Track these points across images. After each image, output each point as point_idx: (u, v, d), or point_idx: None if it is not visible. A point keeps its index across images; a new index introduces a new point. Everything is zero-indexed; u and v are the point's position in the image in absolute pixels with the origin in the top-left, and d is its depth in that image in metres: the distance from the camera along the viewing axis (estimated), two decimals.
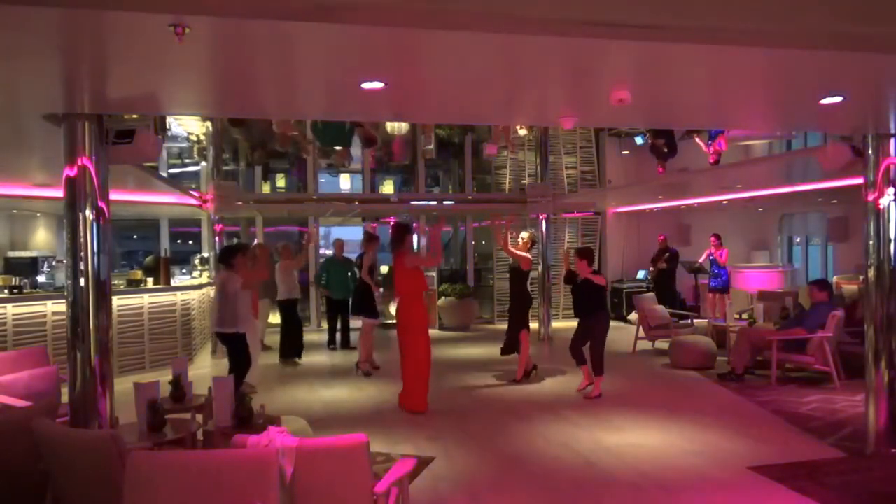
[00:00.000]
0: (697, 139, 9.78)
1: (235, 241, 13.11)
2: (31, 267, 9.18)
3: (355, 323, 10.65)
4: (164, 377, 5.22)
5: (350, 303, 10.77)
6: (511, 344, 8.28)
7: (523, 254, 8.09)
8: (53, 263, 9.39)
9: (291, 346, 9.64)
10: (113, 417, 4.37)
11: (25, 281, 8.33)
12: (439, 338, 11.97)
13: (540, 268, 11.79)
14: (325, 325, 12.38)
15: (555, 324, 12.43)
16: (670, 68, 3.53)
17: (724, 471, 4.96)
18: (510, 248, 8.12)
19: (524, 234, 8.50)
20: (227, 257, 6.86)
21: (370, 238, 9.68)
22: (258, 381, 7.76)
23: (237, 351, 6.72)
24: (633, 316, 10.80)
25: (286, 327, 9.67)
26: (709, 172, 9.12)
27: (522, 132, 12.48)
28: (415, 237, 7.53)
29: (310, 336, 11.35)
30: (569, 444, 5.67)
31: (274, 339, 10.07)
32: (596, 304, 7.52)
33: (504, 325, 12.95)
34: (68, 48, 2.99)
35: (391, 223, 12.65)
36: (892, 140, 5.05)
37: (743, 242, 13.68)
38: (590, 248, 7.74)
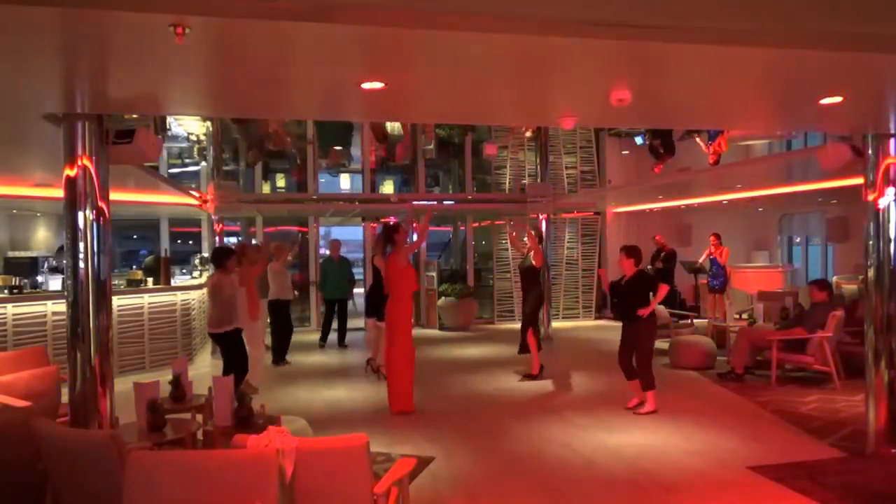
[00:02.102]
0: (698, 139, 9.79)
1: (239, 239, 13.15)
2: (31, 267, 9.18)
3: (357, 323, 10.64)
4: (164, 377, 5.22)
5: (347, 303, 10.87)
6: (526, 343, 8.31)
7: (538, 246, 8.22)
8: (53, 263, 9.40)
9: (280, 348, 9.63)
10: (113, 417, 4.37)
11: (25, 281, 8.32)
12: (439, 338, 11.98)
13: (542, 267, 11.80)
14: None
15: (555, 324, 12.44)
16: (670, 68, 3.53)
17: (724, 471, 4.96)
18: (521, 243, 8.24)
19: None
20: (220, 259, 6.84)
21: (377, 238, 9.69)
22: (259, 382, 7.77)
23: (231, 349, 6.71)
24: None
25: (275, 329, 9.66)
26: (709, 172, 9.13)
27: (528, 133, 12.52)
28: (415, 236, 7.49)
29: (310, 336, 11.36)
30: (569, 444, 5.67)
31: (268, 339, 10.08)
32: (639, 307, 6.56)
33: (505, 325, 13.05)
34: (68, 48, 2.99)
35: (381, 227, 12.64)
36: (892, 140, 5.05)
37: (743, 242, 13.69)
38: (637, 247, 6.84)
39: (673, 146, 10.05)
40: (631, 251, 6.76)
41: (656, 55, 3.23)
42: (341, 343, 10.91)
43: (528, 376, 8.22)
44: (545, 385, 7.97)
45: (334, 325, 10.98)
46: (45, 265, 8.96)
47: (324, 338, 10.99)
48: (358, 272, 18.51)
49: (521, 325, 8.43)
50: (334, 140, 10.72)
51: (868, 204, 5.16)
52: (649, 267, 12.92)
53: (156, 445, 4.13)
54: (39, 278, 8.78)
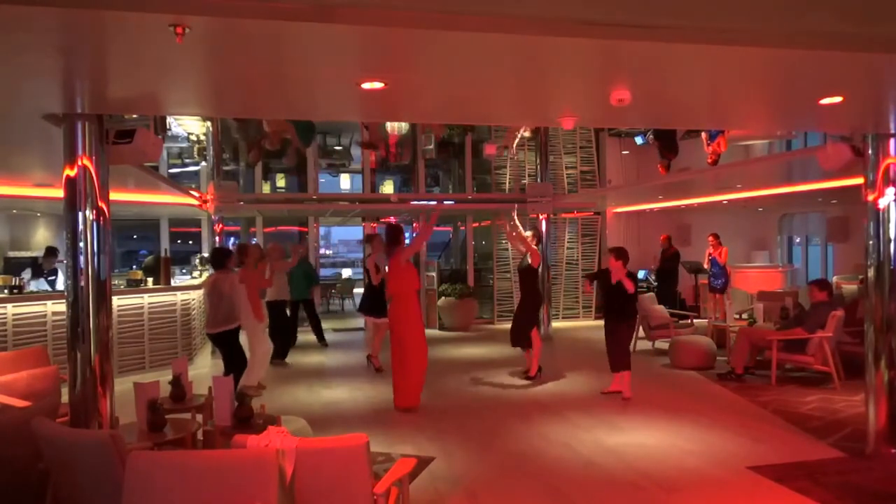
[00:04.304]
0: (703, 134, 9.74)
1: (235, 241, 13.16)
2: (31, 267, 9.19)
3: (356, 323, 10.57)
4: (164, 377, 5.22)
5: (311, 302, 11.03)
6: (520, 337, 8.30)
7: (534, 247, 8.23)
8: (54, 263, 9.40)
9: (279, 347, 9.58)
10: (113, 417, 4.37)
11: (24, 280, 8.31)
12: (439, 338, 11.98)
13: (540, 268, 11.79)
14: (325, 325, 12.37)
15: (555, 324, 12.44)
16: (670, 68, 3.53)
17: (724, 471, 4.96)
18: (520, 237, 8.30)
19: (528, 233, 8.56)
20: (219, 259, 6.88)
21: (371, 237, 9.69)
22: (264, 381, 7.79)
23: (230, 349, 6.73)
24: None
25: (274, 329, 9.62)
26: (709, 172, 9.12)
27: (527, 134, 12.50)
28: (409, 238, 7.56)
29: (308, 336, 11.34)
30: (569, 444, 5.67)
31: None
32: (625, 309, 7.27)
33: (505, 325, 13.04)
34: (68, 48, 2.99)
35: (385, 227, 12.68)
36: (892, 140, 5.05)
37: (743, 242, 13.69)
38: (624, 249, 7.37)
39: (676, 146, 10.05)
40: (619, 253, 7.20)
41: (656, 55, 3.23)
42: (291, 346, 10.64)
43: (526, 377, 8.22)
44: (545, 385, 7.96)
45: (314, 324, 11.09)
46: (26, 271, 8.89)
47: (320, 337, 11.07)
48: (357, 272, 18.53)
49: (520, 326, 8.39)
50: (297, 138, 10.81)
51: (868, 204, 5.16)
52: (651, 267, 12.96)
53: (156, 445, 4.13)
54: (23, 277, 8.61)
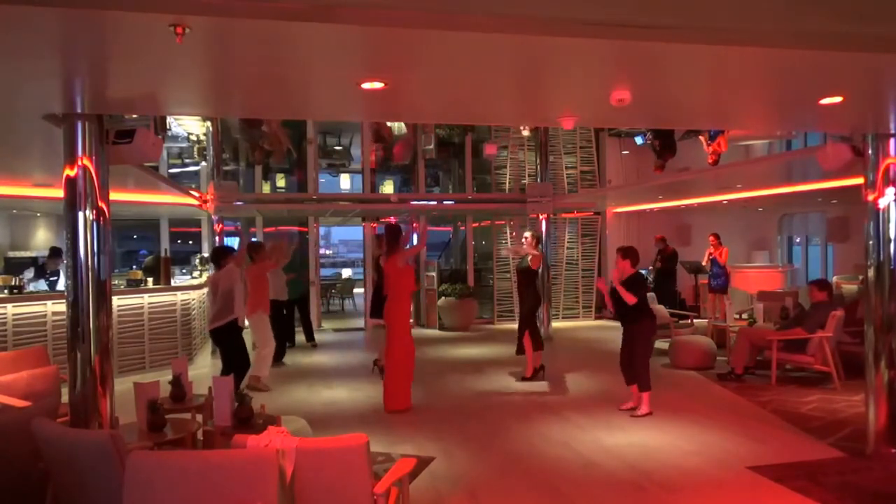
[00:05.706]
0: (701, 137, 9.75)
1: (237, 239, 13.15)
2: (33, 267, 9.18)
3: (356, 323, 10.53)
4: (164, 377, 5.22)
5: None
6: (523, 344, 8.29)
7: (534, 251, 8.21)
8: (58, 265, 9.39)
9: (277, 349, 9.55)
10: (113, 417, 4.37)
11: (24, 280, 8.31)
12: (439, 338, 11.98)
13: (539, 269, 11.78)
14: (325, 325, 12.39)
15: (555, 324, 12.44)
16: (670, 68, 3.53)
17: (724, 471, 4.96)
18: (520, 250, 8.31)
19: (527, 234, 8.56)
20: (219, 258, 6.96)
21: (378, 237, 9.72)
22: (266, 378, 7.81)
23: (229, 346, 6.76)
24: None
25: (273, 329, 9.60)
26: (709, 172, 9.12)
27: (525, 132, 12.51)
28: (414, 237, 7.56)
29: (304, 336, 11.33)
30: (569, 444, 5.67)
31: None
32: (639, 309, 6.53)
33: (505, 326, 13.06)
34: (68, 48, 2.99)
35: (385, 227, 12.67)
36: (892, 140, 5.05)
37: (743, 242, 13.69)
38: (633, 248, 6.73)
39: (674, 145, 10.04)
40: (627, 252, 6.70)
41: (656, 55, 3.23)
42: (290, 346, 10.67)
43: (523, 378, 8.20)
44: (545, 385, 7.96)
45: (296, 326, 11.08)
46: (29, 270, 8.89)
47: (310, 336, 11.06)
48: (358, 272, 18.54)
49: (518, 326, 8.42)
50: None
51: (868, 204, 5.16)
52: (650, 268, 12.97)
53: (156, 445, 4.13)
54: (24, 277, 8.62)
